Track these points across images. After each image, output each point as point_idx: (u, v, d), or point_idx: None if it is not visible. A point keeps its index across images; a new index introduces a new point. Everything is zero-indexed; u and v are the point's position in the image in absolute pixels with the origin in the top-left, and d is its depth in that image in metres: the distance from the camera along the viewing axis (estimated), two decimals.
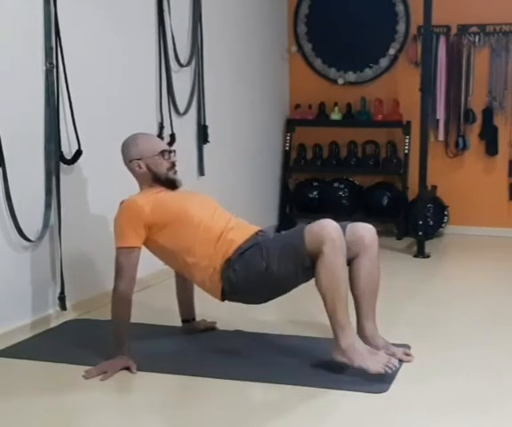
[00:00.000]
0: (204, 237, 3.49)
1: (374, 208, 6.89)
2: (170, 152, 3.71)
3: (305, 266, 3.34)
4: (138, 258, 3.49)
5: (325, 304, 3.32)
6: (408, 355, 3.55)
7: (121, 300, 3.46)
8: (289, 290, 3.53)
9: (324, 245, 3.25)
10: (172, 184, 3.67)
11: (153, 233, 3.52)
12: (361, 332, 3.53)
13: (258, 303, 3.61)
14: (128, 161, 3.69)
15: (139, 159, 3.65)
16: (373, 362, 3.25)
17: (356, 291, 3.52)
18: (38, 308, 4.07)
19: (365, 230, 3.55)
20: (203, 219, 3.54)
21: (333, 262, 3.27)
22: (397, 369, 3.30)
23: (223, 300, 3.56)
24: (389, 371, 3.23)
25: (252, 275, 3.41)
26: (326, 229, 3.30)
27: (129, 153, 3.68)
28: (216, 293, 3.53)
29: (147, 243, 3.57)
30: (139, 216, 3.48)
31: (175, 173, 3.70)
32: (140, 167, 3.65)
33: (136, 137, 3.75)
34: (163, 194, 3.63)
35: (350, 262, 3.49)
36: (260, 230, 3.65)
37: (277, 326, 4.06)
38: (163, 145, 3.78)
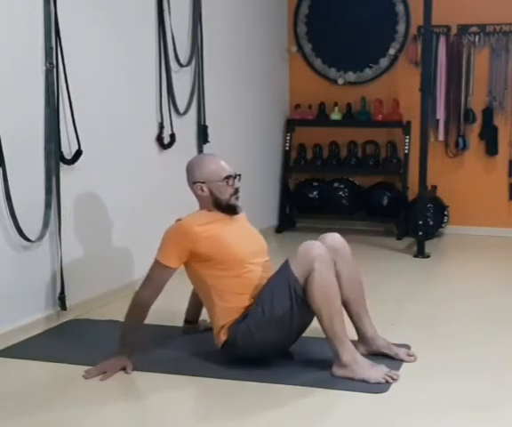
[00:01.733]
0: (248, 291, 3.46)
1: (374, 208, 6.89)
2: (234, 177, 3.62)
3: (298, 294, 3.31)
4: (169, 278, 3.48)
5: (321, 320, 3.31)
6: (410, 355, 3.56)
7: (139, 306, 3.47)
8: (294, 331, 3.47)
9: (314, 263, 3.27)
10: (232, 210, 3.60)
11: (196, 261, 3.48)
12: (361, 336, 3.53)
13: (264, 357, 3.50)
14: (192, 183, 3.61)
15: (202, 182, 3.57)
16: (374, 373, 3.27)
17: (343, 297, 3.47)
18: (38, 308, 4.07)
19: (332, 238, 3.53)
20: (242, 264, 3.48)
21: (325, 277, 3.28)
22: (398, 377, 3.30)
23: (221, 348, 3.50)
24: (390, 381, 3.25)
25: (251, 325, 3.37)
26: (312, 248, 3.32)
27: (193, 175, 3.60)
28: (218, 340, 3.49)
29: (185, 264, 3.53)
30: (188, 241, 3.44)
31: (237, 198, 3.62)
32: (203, 191, 3.57)
33: (202, 159, 3.71)
34: (220, 225, 3.53)
35: None
36: None
37: None
38: (228, 170, 3.61)
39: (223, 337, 3.45)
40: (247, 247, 3.54)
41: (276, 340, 3.43)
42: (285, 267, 3.38)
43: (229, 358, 3.47)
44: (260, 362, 3.45)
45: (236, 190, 3.61)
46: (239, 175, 3.66)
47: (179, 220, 3.55)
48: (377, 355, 3.49)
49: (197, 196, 3.62)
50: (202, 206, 3.62)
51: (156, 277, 3.46)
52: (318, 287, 3.27)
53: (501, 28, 6.60)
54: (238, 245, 3.51)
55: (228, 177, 3.58)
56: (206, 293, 3.53)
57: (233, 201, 3.59)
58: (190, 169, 3.64)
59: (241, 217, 3.68)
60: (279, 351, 3.51)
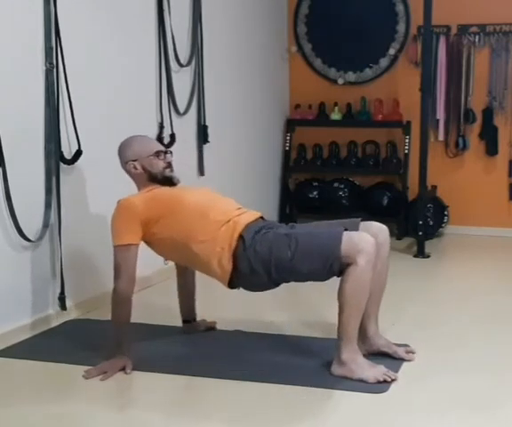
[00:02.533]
0: (206, 221, 3.46)
1: (374, 208, 6.88)
2: (165, 153, 3.71)
3: (332, 269, 3.28)
4: (135, 256, 3.47)
5: (341, 313, 3.29)
6: (409, 352, 3.57)
7: (120, 300, 3.46)
8: (302, 281, 3.47)
9: (360, 257, 3.21)
10: (169, 181, 3.66)
11: (150, 228, 3.50)
12: (363, 332, 3.53)
13: (264, 289, 3.51)
14: (124, 163, 3.70)
15: (134, 160, 3.66)
16: (373, 373, 3.26)
17: None
18: (38, 308, 4.07)
19: (379, 229, 3.49)
20: (198, 203, 3.52)
21: (364, 275, 3.24)
22: (396, 378, 3.30)
23: (230, 284, 3.47)
24: (388, 379, 3.25)
25: (273, 259, 3.33)
26: (366, 241, 3.25)
27: (124, 155, 3.70)
28: (224, 275, 3.44)
29: (147, 240, 3.55)
30: (133, 213, 3.48)
31: (171, 171, 3.69)
32: (136, 168, 3.66)
33: (131, 139, 3.76)
34: (156, 190, 3.63)
35: None
36: (261, 217, 3.62)
37: (277, 327, 4.06)
38: (158, 146, 3.78)
39: (228, 266, 3.40)
40: (190, 195, 3.59)
41: (287, 279, 3.42)
42: (337, 236, 3.27)
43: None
44: (260, 361, 3.45)
45: (169, 164, 3.69)
46: (171, 152, 3.74)
47: (118, 201, 3.58)
48: (376, 354, 3.49)
49: (132, 175, 3.70)
50: (139, 186, 3.69)
51: (122, 262, 3.45)
52: (353, 284, 3.23)
53: (501, 28, 6.60)
54: (178, 191, 3.61)
55: (157, 152, 3.67)
56: (180, 250, 3.51)
57: (168, 173, 3.66)
58: (121, 150, 3.73)
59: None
60: (280, 283, 3.51)
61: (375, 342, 3.54)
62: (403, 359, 3.50)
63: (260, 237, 3.39)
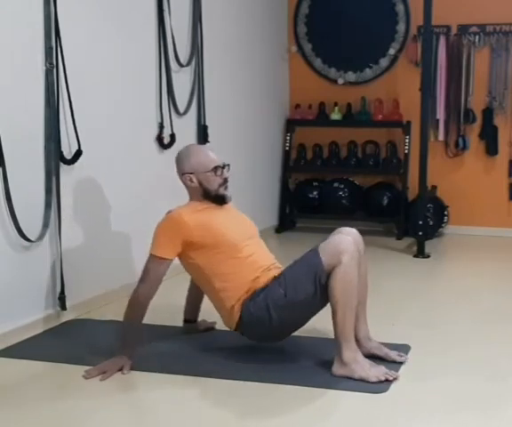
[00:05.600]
0: (247, 271, 3.49)
1: (374, 208, 6.89)
2: (223, 167, 3.64)
3: (322, 283, 3.33)
4: (166, 270, 3.49)
5: (335, 314, 3.32)
6: (401, 356, 3.55)
7: (138, 303, 3.48)
8: (306, 319, 3.51)
9: (343, 256, 3.28)
10: (221, 200, 3.63)
11: (189, 251, 3.50)
12: (354, 334, 3.52)
13: (275, 340, 3.55)
14: (181, 174, 3.65)
15: (191, 173, 3.60)
16: (374, 372, 3.27)
17: None
18: (38, 308, 4.07)
19: (348, 232, 3.52)
20: (251, 252, 3.53)
21: (349, 272, 3.29)
22: (397, 377, 3.30)
23: (236, 330, 3.55)
24: (390, 378, 3.26)
25: (270, 303, 3.40)
26: (344, 241, 3.34)
27: (182, 166, 3.64)
28: (232, 322, 3.52)
29: (181, 257, 3.56)
30: (180, 232, 3.46)
31: (226, 188, 3.65)
32: (192, 181, 3.61)
33: (190, 150, 3.70)
34: (209, 213, 3.57)
35: None
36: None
37: None
38: (216, 160, 3.64)
39: (236, 316, 3.47)
40: (238, 230, 3.59)
41: (291, 322, 3.46)
42: (314, 254, 3.38)
43: (243, 337, 3.51)
44: (260, 361, 3.45)
45: (225, 180, 3.65)
46: (228, 165, 3.68)
47: (169, 212, 3.59)
48: (367, 356, 3.45)
49: (187, 187, 3.66)
50: (192, 197, 3.67)
51: (153, 271, 3.47)
52: (341, 282, 3.28)
53: (501, 28, 6.60)
54: (229, 228, 3.56)
55: (216, 167, 3.61)
56: (207, 281, 3.55)
57: (222, 191, 3.63)
58: (179, 160, 3.69)
59: (229, 206, 3.71)
60: (289, 334, 3.54)
61: (366, 344, 3.54)
62: (394, 362, 3.49)
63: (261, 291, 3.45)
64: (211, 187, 3.60)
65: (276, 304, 3.39)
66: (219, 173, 3.61)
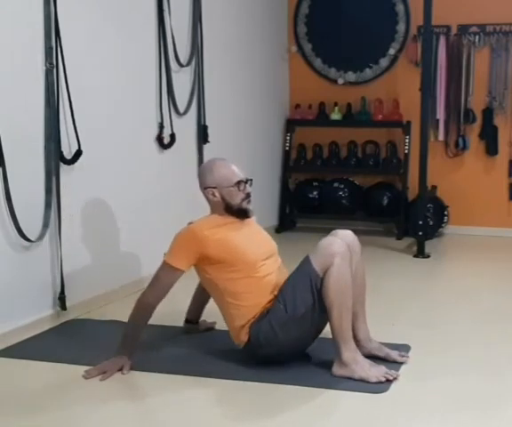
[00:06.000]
0: (262, 292, 3.46)
1: (374, 208, 6.89)
2: (246, 182, 3.62)
3: (319, 290, 3.33)
4: (176, 280, 3.48)
5: (331, 316, 3.32)
6: (402, 356, 3.55)
7: (144, 307, 3.47)
8: (315, 328, 3.48)
9: (335, 258, 3.29)
10: (243, 214, 3.60)
11: (204, 264, 3.49)
12: (354, 335, 3.53)
13: (285, 358, 3.48)
14: (203, 188, 3.61)
15: (214, 188, 3.57)
16: (374, 372, 3.27)
17: None
18: (38, 308, 4.07)
19: (344, 234, 3.53)
20: (267, 273, 3.50)
21: (342, 273, 3.30)
22: (397, 377, 3.30)
23: (244, 348, 3.51)
24: (390, 378, 3.26)
25: (274, 324, 3.38)
26: (334, 243, 3.35)
27: (204, 181, 3.60)
28: (239, 341, 3.50)
29: (196, 267, 3.55)
30: (198, 245, 3.44)
31: (248, 202, 3.62)
32: (215, 196, 3.57)
33: (213, 165, 3.66)
34: (230, 228, 3.54)
35: None
36: None
37: None
38: (239, 175, 3.60)
39: (244, 337, 3.45)
40: (257, 249, 3.55)
41: (298, 337, 3.43)
42: (306, 263, 3.39)
43: (251, 358, 3.46)
44: (259, 361, 3.45)
45: (248, 195, 3.61)
46: (251, 180, 3.65)
47: (190, 223, 3.56)
48: (368, 357, 3.45)
49: (209, 200, 3.62)
50: (213, 211, 3.62)
51: (164, 278, 3.47)
52: (334, 283, 3.28)
53: (501, 28, 6.60)
54: (248, 246, 3.51)
55: (239, 182, 3.57)
56: (219, 295, 3.53)
57: (244, 205, 3.59)
58: (202, 174, 3.65)
59: (251, 221, 3.68)
60: (299, 351, 3.51)
61: (366, 345, 3.53)
62: (395, 362, 3.49)
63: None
64: (233, 202, 3.56)
65: (279, 322, 3.37)
66: (241, 187, 3.58)
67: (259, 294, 3.46)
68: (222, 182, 3.56)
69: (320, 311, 3.38)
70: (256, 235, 3.66)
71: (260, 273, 3.48)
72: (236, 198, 3.57)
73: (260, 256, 3.52)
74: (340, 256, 3.31)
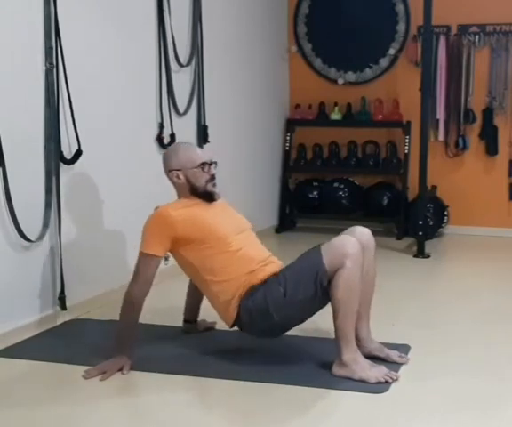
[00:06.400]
0: (239, 265, 3.47)
1: (374, 208, 6.89)
2: (210, 164, 3.64)
3: (323, 286, 3.32)
4: (156, 267, 3.48)
5: (336, 316, 3.31)
6: (402, 357, 3.55)
7: (131, 303, 3.47)
8: (306, 317, 3.51)
9: (347, 260, 3.26)
10: (209, 197, 3.62)
11: (179, 247, 3.50)
12: (355, 334, 3.52)
13: (272, 336, 3.56)
14: (167, 170, 3.65)
15: (178, 170, 3.60)
16: (374, 373, 3.27)
17: None
18: (38, 308, 4.07)
19: (361, 233, 3.52)
20: (230, 242, 3.51)
21: (353, 276, 3.28)
22: (397, 378, 3.30)
23: (232, 326, 3.55)
24: (390, 380, 3.26)
25: (270, 303, 3.38)
26: (348, 244, 3.32)
27: (169, 163, 3.64)
28: (228, 317, 3.51)
29: (172, 254, 3.57)
30: (168, 228, 3.46)
31: (214, 185, 3.64)
32: (179, 178, 3.61)
33: (177, 147, 3.72)
34: (197, 208, 3.57)
35: None
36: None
37: None
38: (203, 156, 3.65)
39: (233, 312, 3.46)
40: (228, 225, 3.57)
41: (289, 321, 3.46)
42: (316, 254, 3.36)
43: (241, 338, 3.50)
44: (260, 361, 3.45)
45: (212, 177, 3.64)
46: (215, 162, 3.68)
47: (157, 208, 3.58)
48: (368, 357, 3.44)
49: (174, 184, 3.66)
50: (180, 194, 3.66)
51: (144, 268, 3.47)
52: (344, 286, 3.27)
53: (501, 28, 6.60)
54: (218, 222, 3.55)
55: (203, 164, 3.61)
56: (199, 275, 3.55)
57: (209, 188, 3.63)
58: (167, 157, 3.69)
59: (222, 203, 3.71)
60: (289, 329, 3.53)
61: (367, 345, 3.53)
62: (395, 363, 3.49)
63: (260, 287, 3.44)
64: (198, 183, 3.60)
65: (275, 303, 3.38)
66: (206, 169, 3.61)
67: (236, 266, 3.47)
68: (186, 164, 3.60)
69: (318, 303, 3.40)
70: (225, 212, 3.69)
71: (233, 247, 3.49)
72: (201, 180, 3.60)
73: (231, 232, 3.54)
74: (352, 259, 3.26)
